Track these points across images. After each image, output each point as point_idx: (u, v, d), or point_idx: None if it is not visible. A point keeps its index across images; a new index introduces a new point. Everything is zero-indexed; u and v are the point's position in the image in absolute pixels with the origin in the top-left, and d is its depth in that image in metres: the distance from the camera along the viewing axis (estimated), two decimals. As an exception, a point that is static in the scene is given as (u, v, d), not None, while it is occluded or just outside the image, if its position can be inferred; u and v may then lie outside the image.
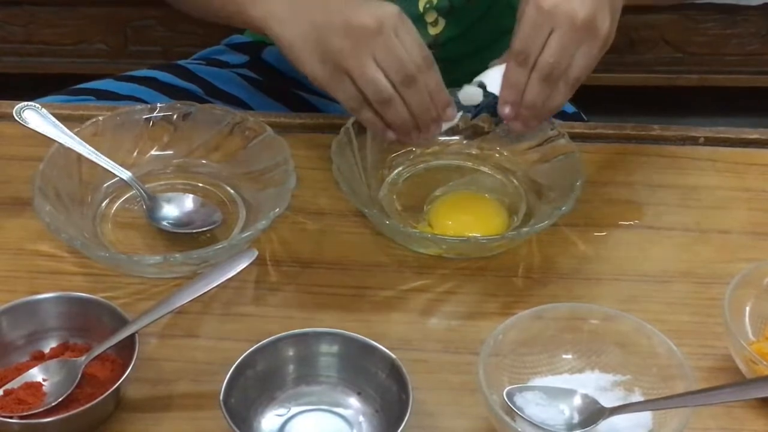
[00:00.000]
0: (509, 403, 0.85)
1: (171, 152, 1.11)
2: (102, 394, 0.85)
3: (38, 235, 1.03)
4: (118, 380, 0.86)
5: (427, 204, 1.09)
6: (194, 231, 1.04)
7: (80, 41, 2.29)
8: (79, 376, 0.87)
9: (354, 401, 0.88)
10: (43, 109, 1.06)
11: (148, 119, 1.11)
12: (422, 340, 0.96)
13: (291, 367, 0.89)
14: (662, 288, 1.01)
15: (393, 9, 0.95)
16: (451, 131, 1.14)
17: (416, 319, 0.98)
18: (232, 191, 1.09)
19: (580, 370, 0.90)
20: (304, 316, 0.97)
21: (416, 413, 0.83)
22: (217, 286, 0.91)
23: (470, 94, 1.01)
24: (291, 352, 0.89)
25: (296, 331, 0.89)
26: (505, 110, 0.99)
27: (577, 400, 0.87)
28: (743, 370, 0.90)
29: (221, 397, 0.83)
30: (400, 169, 1.13)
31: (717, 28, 2.31)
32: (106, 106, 1.19)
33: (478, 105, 1.02)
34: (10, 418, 0.84)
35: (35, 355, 0.91)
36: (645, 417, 0.86)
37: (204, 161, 1.11)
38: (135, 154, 1.10)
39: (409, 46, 0.95)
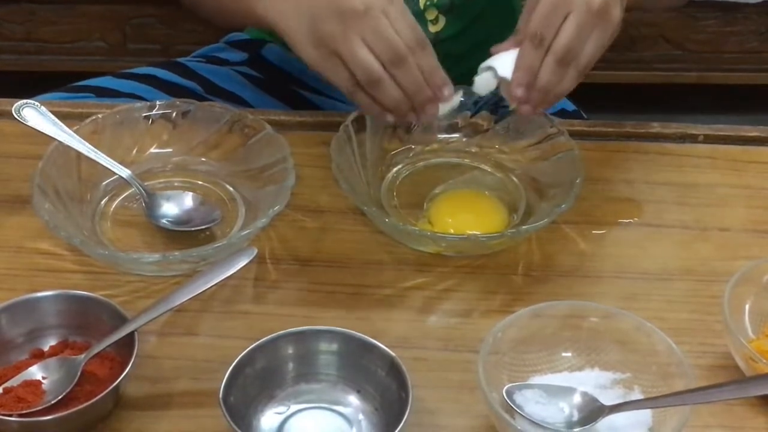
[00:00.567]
0: (509, 401, 0.85)
1: (170, 150, 1.11)
2: (101, 392, 0.85)
3: (37, 233, 1.03)
4: (118, 378, 0.86)
5: (426, 202, 1.09)
6: (193, 229, 1.04)
7: (79, 39, 2.29)
8: (79, 374, 0.87)
9: (353, 399, 0.88)
10: (42, 107, 1.06)
11: (147, 117, 1.11)
12: (422, 338, 0.96)
13: (290, 365, 0.89)
14: (662, 286, 1.01)
15: None
16: (451, 129, 1.14)
17: (416, 317, 0.98)
18: (231, 189, 1.09)
19: (580, 368, 0.90)
20: (304, 314, 0.97)
21: (416, 411, 0.83)
22: (216, 284, 0.91)
23: (484, 80, 1.01)
24: (290, 350, 0.89)
25: (296, 329, 0.89)
26: (518, 92, 0.98)
27: (577, 398, 0.87)
28: (743, 368, 0.90)
29: (221, 395, 0.83)
30: (400, 167, 1.13)
31: (716, 26, 2.31)
32: (105, 104, 1.18)
33: (489, 96, 1.04)
34: (10, 416, 0.84)
35: (35, 353, 0.91)
36: (644, 415, 0.86)
37: (203, 159, 1.11)
38: (134, 151, 1.10)
39: (400, 27, 0.95)
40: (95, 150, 1.05)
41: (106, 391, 0.85)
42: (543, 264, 1.03)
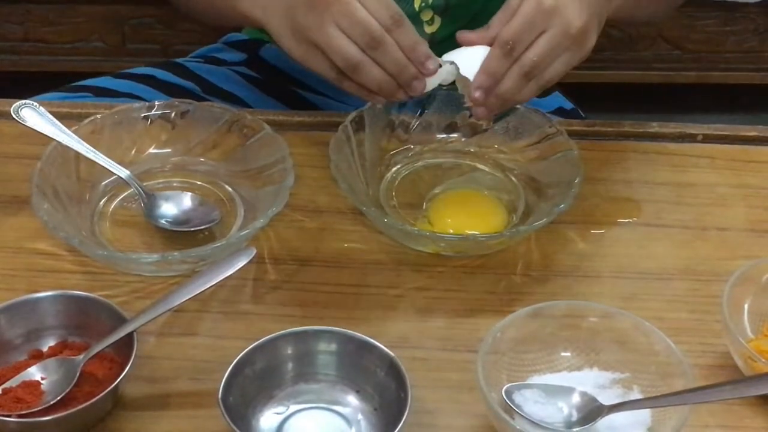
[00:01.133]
0: (508, 401, 0.85)
1: (169, 150, 1.11)
2: (100, 393, 0.85)
3: (36, 234, 1.03)
4: (117, 379, 0.86)
5: (426, 202, 1.09)
6: (192, 229, 1.04)
7: (78, 39, 2.29)
8: (78, 374, 0.87)
9: (353, 399, 0.88)
10: (41, 107, 1.05)
11: (146, 117, 1.11)
12: (421, 338, 0.96)
13: (289, 366, 0.89)
14: (661, 285, 1.01)
15: None
16: (450, 129, 1.14)
17: (415, 317, 0.98)
18: (230, 189, 1.09)
19: (579, 368, 0.90)
20: (303, 314, 0.97)
21: (415, 411, 0.83)
22: (215, 284, 0.91)
23: (444, 72, 0.99)
24: (289, 351, 0.89)
25: (295, 329, 0.89)
26: (476, 94, 0.98)
27: (576, 398, 0.87)
28: (742, 368, 0.90)
29: (220, 396, 0.83)
30: (399, 167, 1.13)
31: (715, 25, 2.31)
32: (104, 104, 1.18)
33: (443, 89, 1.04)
34: (9, 416, 0.84)
35: (33, 354, 0.91)
36: (643, 414, 0.86)
37: (202, 159, 1.11)
38: (133, 152, 1.10)
39: (373, 8, 0.94)
40: (94, 150, 1.05)
41: (105, 391, 0.85)
42: (542, 264, 1.03)
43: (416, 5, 1.20)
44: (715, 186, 1.12)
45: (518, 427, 0.82)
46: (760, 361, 0.87)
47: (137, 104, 1.12)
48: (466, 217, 1.07)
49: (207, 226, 1.04)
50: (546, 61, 0.96)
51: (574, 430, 0.85)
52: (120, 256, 1.00)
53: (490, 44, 0.97)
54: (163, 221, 1.04)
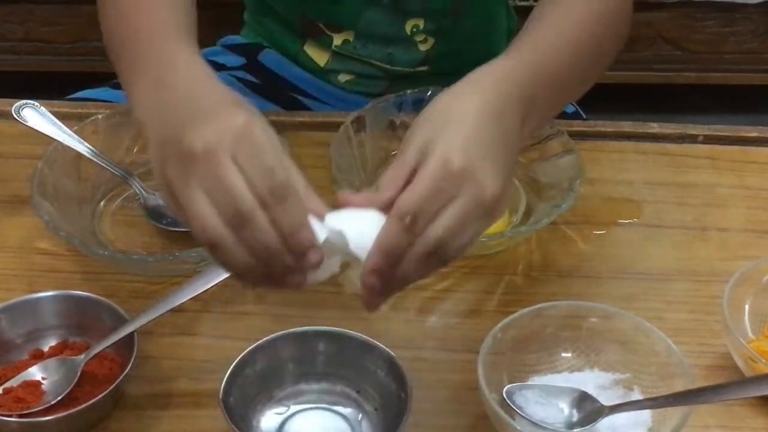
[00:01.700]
0: (508, 402, 0.85)
1: (170, 150, 1.11)
2: (101, 393, 0.85)
3: (37, 234, 1.03)
4: (117, 379, 0.86)
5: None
6: (193, 229, 1.04)
7: (78, 39, 2.29)
8: (78, 374, 0.87)
9: (353, 400, 0.88)
10: (42, 108, 1.06)
11: (146, 117, 1.11)
12: (421, 339, 0.96)
13: (290, 366, 0.89)
14: (661, 286, 1.01)
15: (236, 124, 0.74)
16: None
17: (415, 317, 0.98)
18: (231, 189, 1.09)
19: (580, 369, 0.90)
20: (303, 314, 0.97)
21: (415, 412, 0.83)
22: (216, 284, 0.91)
23: (333, 263, 0.77)
24: (290, 351, 0.89)
25: (295, 329, 0.89)
26: (372, 280, 0.75)
27: (577, 399, 0.87)
28: (742, 368, 0.90)
29: (220, 396, 0.83)
30: (400, 167, 1.13)
31: (716, 26, 2.31)
32: (104, 105, 1.18)
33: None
34: (9, 416, 0.84)
35: (34, 354, 0.91)
36: (644, 415, 0.86)
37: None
38: (134, 152, 1.10)
39: (252, 174, 0.72)
40: (95, 150, 1.05)
41: (106, 391, 0.85)
42: (542, 264, 1.03)
43: (407, 30, 1.20)
44: (715, 187, 1.12)
45: (519, 428, 0.82)
46: (761, 361, 0.87)
47: (138, 104, 1.12)
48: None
49: (208, 226, 1.04)
50: (454, 238, 0.75)
51: (575, 430, 0.85)
52: (120, 257, 1.00)
53: (382, 209, 0.76)
54: (163, 222, 1.04)
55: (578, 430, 0.85)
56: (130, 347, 0.87)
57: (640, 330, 0.89)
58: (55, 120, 1.05)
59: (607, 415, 0.85)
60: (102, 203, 1.08)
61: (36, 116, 1.05)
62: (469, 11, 1.22)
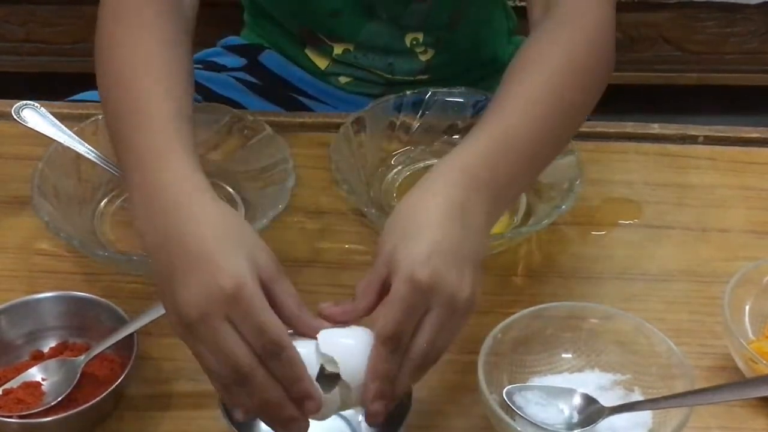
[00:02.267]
0: (509, 403, 0.85)
1: (170, 151, 1.11)
2: (101, 394, 0.85)
3: (37, 235, 1.03)
4: (117, 380, 0.86)
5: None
6: (193, 230, 1.04)
7: (79, 40, 2.29)
8: (79, 375, 0.87)
9: (353, 400, 0.88)
10: (42, 108, 1.06)
11: (147, 118, 1.10)
12: (422, 339, 0.96)
13: (290, 367, 0.89)
14: (662, 287, 1.01)
15: (225, 286, 0.75)
16: (452, 130, 1.14)
17: (416, 318, 0.98)
18: (231, 190, 1.09)
19: (580, 370, 0.90)
20: (304, 315, 0.97)
21: (416, 412, 0.83)
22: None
23: (332, 405, 0.80)
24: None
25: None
26: (375, 407, 0.78)
27: (577, 400, 0.87)
28: (743, 369, 0.90)
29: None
30: (400, 168, 1.13)
31: (716, 27, 2.31)
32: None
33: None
34: (10, 417, 0.84)
35: (34, 355, 0.91)
36: (645, 416, 0.86)
37: (203, 160, 1.11)
38: (134, 153, 1.10)
39: (247, 332, 0.75)
40: (95, 151, 1.05)
41: (106, 392, 0.85)
42: (543, 265, 1.03)
43: (407, 42, 1.21)
44: (716, 187, 1.12)
45: (519, 429, 0.82)
46: (761, 362, 0.87)
47: (138, 105, 1.12)
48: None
49: (208, 227, 1.04)
50: (436, 345, 0.79)
51: (575, 431, 0.85)
52: (120, 257, 1.00)
53: (362, 316, 0.80)
54: (164, 222, 1.04)
55: (578, 431, 0.85)
56: (130, 348, 0.87)
57: (640, 331, 0.89)
58: (56, 121, 1.05)
59: (607, 416, 0.85)
60: (102, 204, 1.08)
61: (36, 117, 1.05)
62: (467, 22, 1.22)
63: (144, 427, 0.88)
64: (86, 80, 1.30)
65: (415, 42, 1.21)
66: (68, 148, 1.04)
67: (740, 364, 0.91)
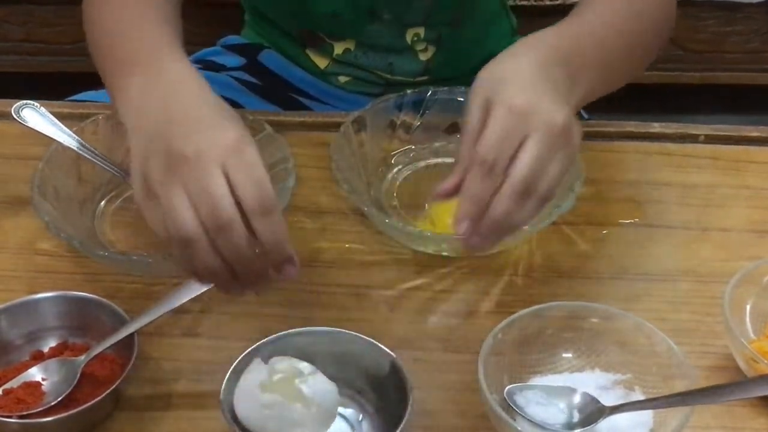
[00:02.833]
0: (509, 402, 0.85)
1: (170, 151, 1.11)
2: (101, 394, 0.85)
3: (37, 235, 1.03)
4: (118, 380, 0.86)
5: (427, 202, 1.09)
6: (193, 230, 1.04)
7: (79, 40, 2.27)
8: (79, 375, 0.87)
9: (354, 400, 0.88)
10: (42, 108, 1.05)
11: (147, 118, 1.10)
12: (422, 339, 0.96)
13: (290, 367, 0.89)
14: (662, 286, 1.01)
15: (228, 137, 0.78)
16: (452, 129, 1.14)
17: (416, 318, 0.98)
18: (231, 190, 1.09)
19: (580, 369, 0.90)
20: (304, 315, 0.97)
21: (416, 413, 0.83)
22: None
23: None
24: (290, 352, 0.88)
25: (296, 329, 0.89)
26: (463, 226, 0.81)
27: (578, 399, 0.87)
28: (744, 369, 0.90)
29: (221, 397, 0.83)
30: (401, 167, 1.13)
31: (717, 26, 2.31)
32: (105, 105, 1.18)
33: None
34: (9, 417, 0.84)
35: (34, 355, 0.91)
36: (645, 416, 0.86)
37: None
38: (134, 152, 1.10)
39: (241, 182, 0.76)
40: (95, 151, 1.05)
41: (106, 392, 0.85)
42: (543, 265, 1.03)
43: (408, 39, 1.21)
44: (717, 187, 1.12)
45: (520, 429, 0.82)
46: (762, 362, 0.87)
47: (138, 105, 1.12)
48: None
49: (208, 226, 1.04)
50: (539, 173, 0.80)
51: (576, 431, 0.85)
52: (121, 257, 1.00)
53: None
54: (164, 222, 1.04)
55: (579, 430, 0.85)
56: (131, 348, 0.87)
57: (641, 330, 0.89)
58: (56, 120, 1.05)
59: (608, 415, 0.85)
60: (102, 204, 1.08)
61: (36, 117, 1.05)
62: (469, 18, 1.22)
63: (144, 427, 0.88)
64: (86, 80, 1.31)
65: (416, 38, 1.20)
66: (68, 148, 1.04)
67: (741, 364, 0.90)
